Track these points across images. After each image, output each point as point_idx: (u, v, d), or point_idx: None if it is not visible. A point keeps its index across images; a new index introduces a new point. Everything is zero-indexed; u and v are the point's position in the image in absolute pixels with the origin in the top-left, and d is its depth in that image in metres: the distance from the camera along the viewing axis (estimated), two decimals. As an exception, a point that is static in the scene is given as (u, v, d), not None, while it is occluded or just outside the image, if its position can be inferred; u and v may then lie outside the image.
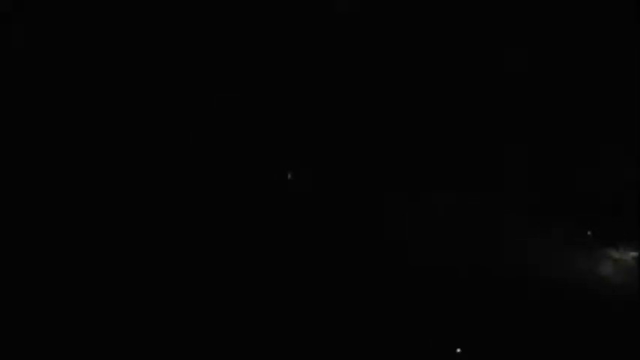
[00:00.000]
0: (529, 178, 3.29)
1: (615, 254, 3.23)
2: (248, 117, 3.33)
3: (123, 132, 3.31)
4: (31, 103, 3.30)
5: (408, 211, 3.27)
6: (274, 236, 3.27)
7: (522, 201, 3.26)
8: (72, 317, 3.21)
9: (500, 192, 3.28)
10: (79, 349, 3.19)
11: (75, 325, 3.21)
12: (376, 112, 3.33)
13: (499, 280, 3.23)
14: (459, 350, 3.17)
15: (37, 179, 3.26)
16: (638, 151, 3.24)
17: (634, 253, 3.22)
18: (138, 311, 3.22)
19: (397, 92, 3.33)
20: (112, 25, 3.32)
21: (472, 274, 3.23)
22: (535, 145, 3.30)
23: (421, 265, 3.24)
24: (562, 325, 3.18)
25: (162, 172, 3.30)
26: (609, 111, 3.29)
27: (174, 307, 3.23)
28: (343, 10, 3.32)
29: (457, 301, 3.22)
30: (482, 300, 3.22)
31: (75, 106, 3.31)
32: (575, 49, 3.31)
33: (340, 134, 3.32)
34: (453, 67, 3.32)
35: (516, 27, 3.32)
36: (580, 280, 3.22)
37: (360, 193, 3.31)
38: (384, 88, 3.33)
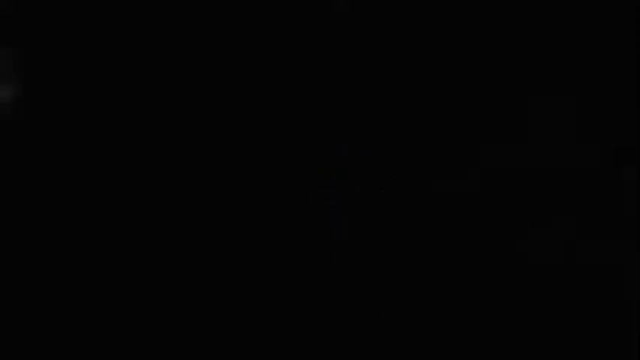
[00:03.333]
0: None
1: None
2: (247, 118, 3.33)
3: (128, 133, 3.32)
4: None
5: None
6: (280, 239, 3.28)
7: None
8: (73, 317, 3.22)
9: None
10: (79, 349, 3.20)
11: (75, 325, 3.21)
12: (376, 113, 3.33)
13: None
14: None
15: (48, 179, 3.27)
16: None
17: None
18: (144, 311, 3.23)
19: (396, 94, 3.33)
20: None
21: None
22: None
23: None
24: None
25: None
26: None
27: (175, 307, 3.24)
28: (342, 9, 3.31)
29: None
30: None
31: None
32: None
33: (341, 134, 3.32)
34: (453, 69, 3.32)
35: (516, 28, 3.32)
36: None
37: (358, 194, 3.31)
38: (383, 89, 3.33)
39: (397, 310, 3.22)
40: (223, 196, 3.28)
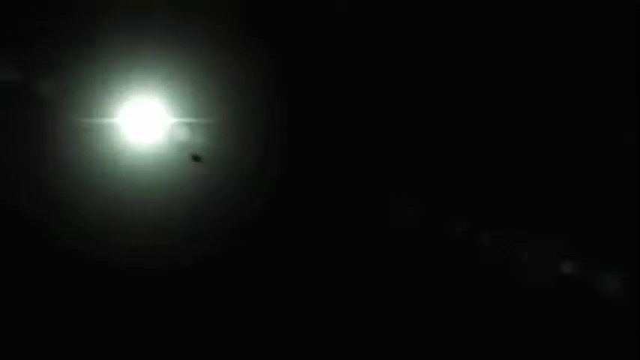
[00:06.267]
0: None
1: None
2: (249, 117, 3.33)
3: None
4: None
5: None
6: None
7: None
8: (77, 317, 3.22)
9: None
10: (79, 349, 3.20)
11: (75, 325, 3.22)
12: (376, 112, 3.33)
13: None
14: None
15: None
16: None
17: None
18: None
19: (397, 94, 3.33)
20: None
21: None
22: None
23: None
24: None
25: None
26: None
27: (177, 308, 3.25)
28: (343, 9, 3.31)
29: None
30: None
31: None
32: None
33: (342, 133, 3.32)
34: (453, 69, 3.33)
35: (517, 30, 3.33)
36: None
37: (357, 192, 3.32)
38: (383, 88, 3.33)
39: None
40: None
